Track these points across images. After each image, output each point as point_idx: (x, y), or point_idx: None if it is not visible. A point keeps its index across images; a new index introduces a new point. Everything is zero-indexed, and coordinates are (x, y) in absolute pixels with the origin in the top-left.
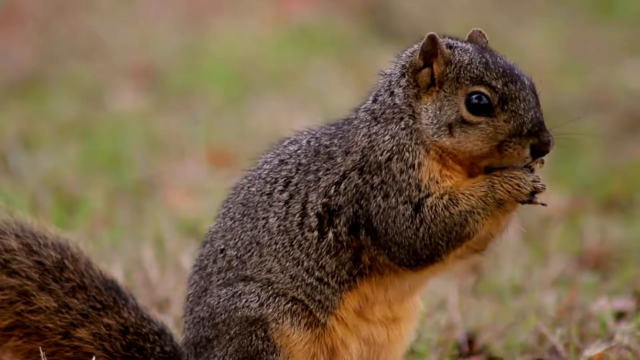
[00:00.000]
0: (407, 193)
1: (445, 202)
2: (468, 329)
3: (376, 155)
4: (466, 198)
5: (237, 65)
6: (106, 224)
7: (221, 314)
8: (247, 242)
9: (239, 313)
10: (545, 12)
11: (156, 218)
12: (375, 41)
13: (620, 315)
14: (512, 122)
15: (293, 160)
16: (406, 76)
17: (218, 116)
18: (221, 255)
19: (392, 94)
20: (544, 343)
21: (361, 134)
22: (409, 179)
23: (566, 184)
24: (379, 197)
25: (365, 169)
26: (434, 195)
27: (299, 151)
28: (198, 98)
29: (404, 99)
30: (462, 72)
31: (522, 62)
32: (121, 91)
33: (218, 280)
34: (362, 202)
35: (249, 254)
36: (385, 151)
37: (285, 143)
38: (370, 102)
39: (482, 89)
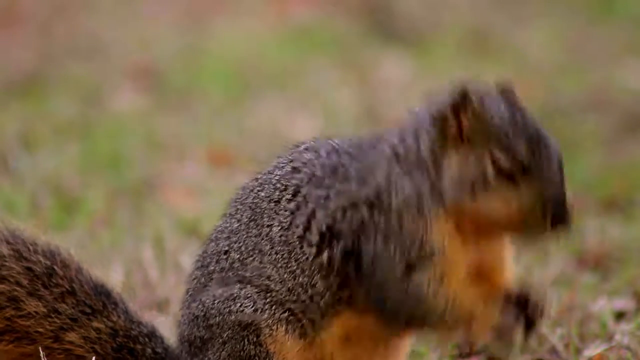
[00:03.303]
0: (407, 249)
1: (435, 283)
2: None
3: (391, 199)
4: (455, 297)
5: (237, 65)
6: (106, 224)
7: (215, 316)
8: (250, 248)
9: (233, 317)
10: (545, 12)
11: (156, 218)
12: (375, 41)
13: (620, 315)
14: (535, 194)
15: (307, 170)
16: (434, 125)
17: (218, 116)
18: (224, 256)
19: (417, 139)
20: (543, 343)
21: (381, 172)
22: (415, 233)
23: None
24: (379, 240)
25: (376, 206)
26: (429, 271)
27: (315, 161)
28: (198, 98)
29: (429, 149)
30: (490, 132)
31: (522, 62)
32: (121, 91)
33: (217, 279)
34: (362, 236)
35: (250, 258)
36: (402, 199)
37: (302, 148)
38: (396, 139)
39: (509, 154)
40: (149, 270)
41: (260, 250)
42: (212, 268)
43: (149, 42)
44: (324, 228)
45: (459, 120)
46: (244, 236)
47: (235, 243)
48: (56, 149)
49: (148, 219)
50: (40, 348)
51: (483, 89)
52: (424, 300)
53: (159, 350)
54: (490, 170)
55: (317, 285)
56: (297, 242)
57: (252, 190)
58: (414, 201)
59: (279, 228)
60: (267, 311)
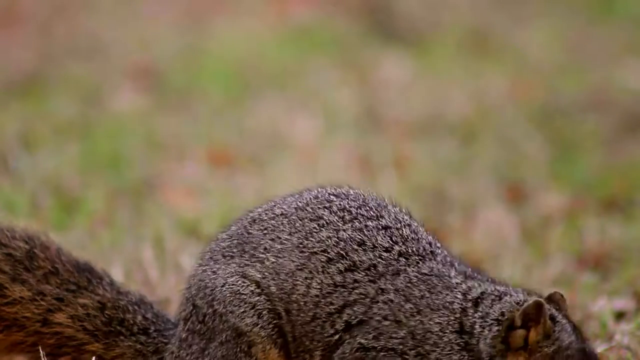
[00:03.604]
0: None
1: None
2: None
3: (433, 356)
4: None
5: (237, 65)
6: (106, 224)
7: (220, 304)
8: (285, 277)
9: (231, 322)
10: (545, 12)
11: (156, 218)
12: (375, 41)
13: (620, 315)
14: None
15: (372, 254)
16: (500, 325)
17: (218, 116)
18: (264, 254)
19: (479, 332)
20: None
21: (439, 323)
22: None
23: (566, 184)
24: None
25: (414, 350)
26: None
27: (391, 249)
28: (198, 98)
29: (490, 347)
30: (558, 353)
31: (522, 62)
32: (121, 91)
33: (233, 264)
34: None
35: (281, 278)
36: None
37: (394, 210)
38: (471, 308)
39: None
40: (149, 270)
41: (291, 294)
42: (232, 252)
43: (149, 42)
44: (354, 321)
45: (528, 330)
46: (285, 269)
47: (271, 269)
48: (56, 149)
49: (148, 219)
50: (30, 344)
51: (552, 304)
52: None
53: (148, 316)
54: None
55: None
56: (325, 318)
57: (320, 218)
58: None
59: (318, 290)
60: (267, 329)
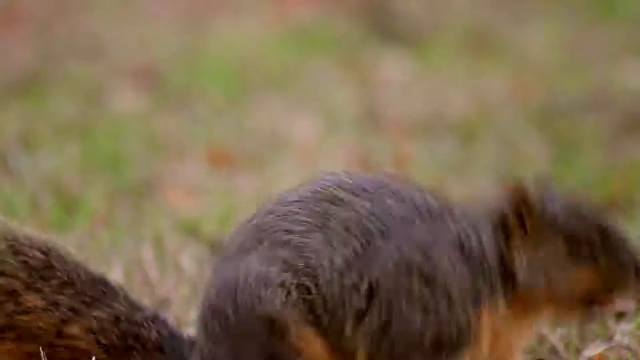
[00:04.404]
0: (445, 333)
1: None
2: None
3: (446, 281)
4: None
5: (237, 65)
6: (106, 224)
7: (252, 287)
8: (309, 254)
9: (264, 307)
10: (545, 12)
11: (156, 218)
12: (375, 41)
13: (620, 315)
14: (617, 271)
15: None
16: (496, 231)
17: (218, 116)
18: (286, 236)
19: (481, 243)
20: (543, 343)
21: (442, 252)
22: (460, 322)
23: (566, 184)
24: (418, 311)
25: (429, 281)
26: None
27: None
28: (198, 98)
29: (495, 254)
30: (557, 222)
31: (522, 62)
32: (121, 91)
33: (267, 246)
34: (403, 301)
35: (307, 254)
36: (458, 286)
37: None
38: (462, 229)
39: (582, 239)
40: (149, 270)
41: (314, 250)
42: (276, 239)
43: (149, 42)
44: (373, 281)
45: (524, 225)
46: (310, 235)
47: (298, 248)
48: (56, 149)
49: (148, 219)
50: (40, 349)
51: (533, 185)
52: None
53: (163, 332)
54: (564, 256)
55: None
56: (348, 287)
57: (338, 205)
58: (469, 292)
59: (341, 260)
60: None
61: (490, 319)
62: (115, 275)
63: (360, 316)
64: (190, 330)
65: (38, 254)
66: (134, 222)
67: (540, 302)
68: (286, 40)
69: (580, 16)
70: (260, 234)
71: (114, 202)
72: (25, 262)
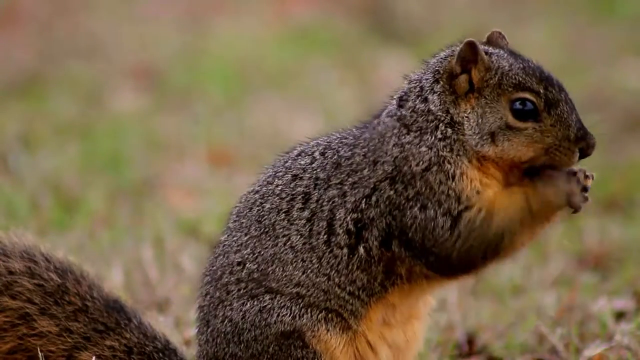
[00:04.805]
0: (446, 205)
1: (482, 217)
2: (468, 329)
3: (411, 166)
4: (503, 213)
5: (237, 65)
6: (106, 224)
7: (251, 331)
8: (268, 258)
9: (273, 329)
10: (545, 12)
11: (156, 218)
12: (375, 41)
13: (620, 315)
14: (559, 126)
15: (308, 175)
16: (441, 82)
17: (218, 116)
18: (239, 267)
19: (425, 100)
20: (543, 343)
21: (391, 143)
22: (448, 190)
23: None
24: (416, 209)
25: (397, 179)
26: (472, 209)
27: (313, 164)
28: (198, 98)
29: (440, 105)
30: (503, 79)
31: None
32: (121, 91)
33: (238, 291)
34: (396, 213)
35: (272, 267)
36: (422, 162)
37: (294, 155)
38: (394, 107)
39: (527, 95)
40: (149, 270)
41: (281, 260)
42: (227, 280)
43: (149, 42)
44: (350, 225)
45: (469, 73)
46: (259, 249)
47: (249, 255)
48: (56, 149)
49: (148, 219)
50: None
51: (482, 41)
52: (484, 236)
53: None
54: (510, 115)
55: (357, 281)
56: (325, 247)
57: (254, 203)
58: (436, 162)
59: (299, 237)
60: (305, 315)
61: (470, 174)
62: (115, 275)
63: (367, 268)
64: (190, 331)
65: (54, 277)
66: (134, 222)
67: (500, 161)
68: (286, 40)
69: (580, 16)
70: (255, 277)
71: (114, 202)
72: (41, 286)
